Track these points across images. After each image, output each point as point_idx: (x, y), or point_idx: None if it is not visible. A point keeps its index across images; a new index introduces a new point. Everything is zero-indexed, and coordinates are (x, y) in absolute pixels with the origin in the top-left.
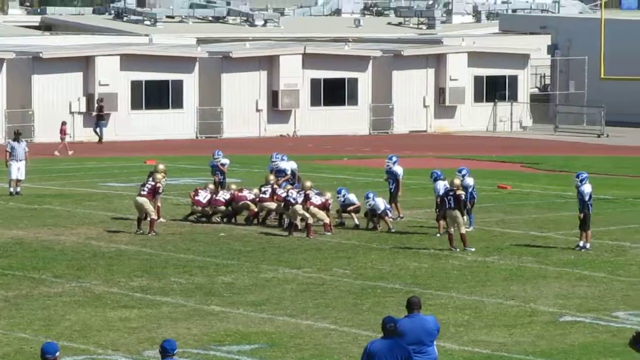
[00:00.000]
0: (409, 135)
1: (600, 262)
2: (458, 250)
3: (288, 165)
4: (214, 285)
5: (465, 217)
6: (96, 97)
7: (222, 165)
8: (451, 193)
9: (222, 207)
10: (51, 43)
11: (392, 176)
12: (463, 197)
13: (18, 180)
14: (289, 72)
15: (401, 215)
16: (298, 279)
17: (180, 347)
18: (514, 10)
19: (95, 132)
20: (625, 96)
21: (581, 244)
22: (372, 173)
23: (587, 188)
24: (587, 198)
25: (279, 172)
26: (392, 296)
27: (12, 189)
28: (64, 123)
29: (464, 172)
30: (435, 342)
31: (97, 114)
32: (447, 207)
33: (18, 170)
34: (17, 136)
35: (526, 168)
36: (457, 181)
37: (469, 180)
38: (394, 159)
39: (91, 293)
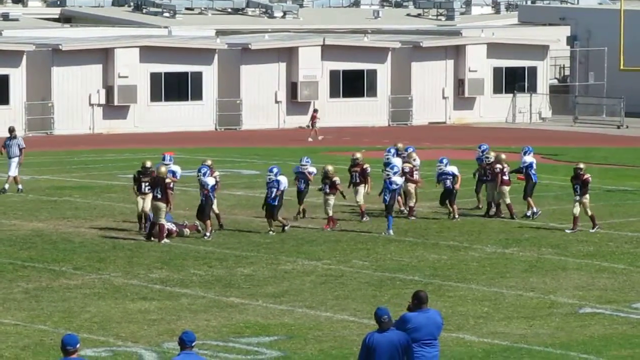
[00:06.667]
0: (428, 126)
1: (620, 254)
2: None
3: (398, 162)
4: (233, 277)
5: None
6: (116, 90)
7: (310, 173)
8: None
9: None
10: (71, 35)
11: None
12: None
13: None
14: (308, 63)
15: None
16: (317, 270)
17: (199, 338)
18: (533, 2)
19: None
20: None
21: None
22: None
23: None
24: None
25: (389, 165)
26: (411, 288)
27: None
28: (315, 110)
29: (445, 161)
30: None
31: None
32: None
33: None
34: None
35: (545, 159)
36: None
37: (453, 169)
38: (392, 150)
39: (111, 285)
